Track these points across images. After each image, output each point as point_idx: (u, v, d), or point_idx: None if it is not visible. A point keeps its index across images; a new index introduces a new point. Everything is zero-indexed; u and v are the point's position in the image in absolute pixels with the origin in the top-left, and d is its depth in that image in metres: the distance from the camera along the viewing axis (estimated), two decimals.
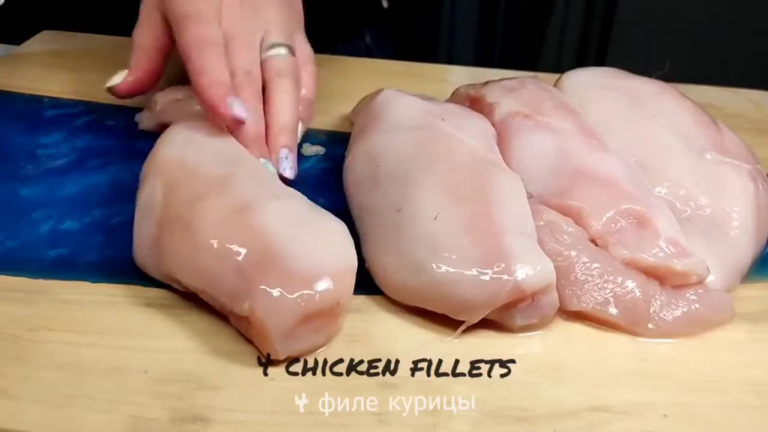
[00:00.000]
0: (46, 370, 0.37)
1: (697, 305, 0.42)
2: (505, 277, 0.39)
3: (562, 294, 0.41)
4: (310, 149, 0.55)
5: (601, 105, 0.52)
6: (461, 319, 0.40)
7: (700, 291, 0.42)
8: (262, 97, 0.51)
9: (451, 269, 0.39)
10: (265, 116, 0.51)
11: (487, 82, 0.54)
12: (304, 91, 0.54)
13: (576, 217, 0.44)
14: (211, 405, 0.35)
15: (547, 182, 0.45)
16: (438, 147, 0.46)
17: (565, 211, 0.44)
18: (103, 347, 0.38)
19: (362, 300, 0.42)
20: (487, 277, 0.39)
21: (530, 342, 0.40)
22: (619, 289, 0.41)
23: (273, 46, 0.52)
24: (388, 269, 0.42)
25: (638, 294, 0.41)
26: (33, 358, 0.37)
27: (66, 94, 0.62)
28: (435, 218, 0.41)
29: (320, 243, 0.39)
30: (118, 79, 0.53)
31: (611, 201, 0.44)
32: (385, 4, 0.66)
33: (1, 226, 0.47)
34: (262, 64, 0.52)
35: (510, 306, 0.39)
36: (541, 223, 0.43)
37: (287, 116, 0.51)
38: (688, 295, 0.42)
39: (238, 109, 0.47)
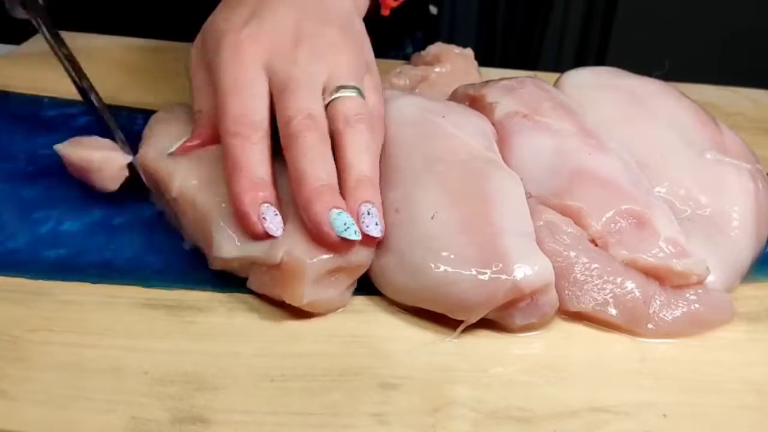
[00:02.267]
0: (46, 371, 0.37)
1: (696, 305, 0.42)
2: (504, 276, 0.39)
3: (562, 294, 0.41)
4: None
5: (601, 104, 0.52)
6: (460, 318, 0.40)
7: (699, 291, 0.42)
8: (330, 142, 0.42)
9: (449, 269, 0.39)
10: (337, 171, 0.42)
11: (487, 82, 0.54)
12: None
13: (575, 217, 0.44)
14: (211, 406, 0.35)
15: (546, 182, 0.45)
16: (438, 145, 0.46)
17: (564, 212, 0.44)
18: (103, 347, 0.38)
19: (362, 300, 0.42)
20: (485, 277, 0.39)
21: (530, 342, 0.40)
22: (618, 289, 0.41)
23: (340, 88, 0.44)
24: (386, 270, 0.42)
25: (638, 294, 0.41)
26: (33, 358, 0.37)
27: (66, 94, 0.62)
28: (432, 217, 0.41)
29: None
30: (177, 144, 0.48)
31: (611, 201, 0.44)
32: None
33: (1, 226, 0.47)
34: (327, 110, 0.44)
35: (509, 306, 0.39)
36: (541, 223, 0.43)
37: (365, 165, 0.42)
38: (687, 295, 0.42)
39: (270, 223, 0.40)
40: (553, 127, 0.48)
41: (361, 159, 0.42)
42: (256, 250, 0.41)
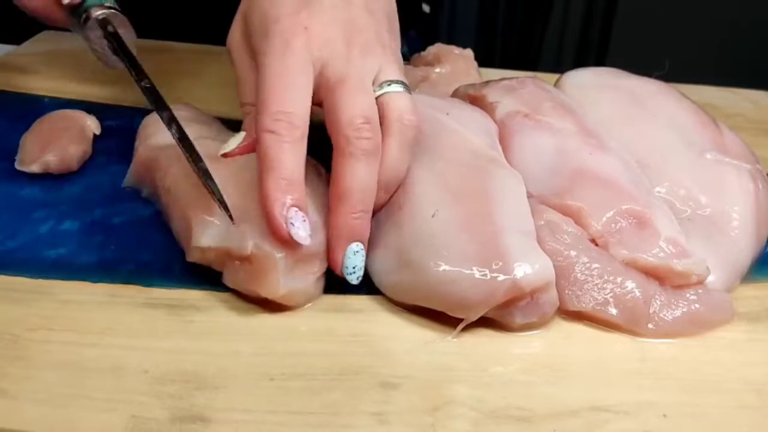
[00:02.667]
0: (46, 370, 0.37)
1: (697, 305, 0.42)
2: (504, 275, 0.39)
3: (562, 294, 0.41)
4: None
5: (601, 105, 0.52)
6: (460, 317, 0.40)
7: (700, 291, 0.42)
8: (380, 152, 0.42)
9: (449, 267, 0.39)
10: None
11: (487, 82, 0.54)
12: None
13: (576, 217, 0.44)
14: (211, 405, 0.35)
15: (547, 182, 0.45)
16: (441, 142, 0.46)
17: (565, 211, 0.44)
18: (103, 347, 0.38)
19: (362, 300, 0.42)
20: (485, 276, 0.39)
21: (530, 341, 0.40)
22: (618, 289, 0.41)
23: (387, 83, 0.44)
24: (386, 268, 0.42)
25: (638, 294, 0.41)
26: (33, 357, 0.37)
27: (66, 94, 0.62)
28: (433, 216, 0.41)
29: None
30: (233, 144, 0.46)
31: (611, 201, 0.44)
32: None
33: (1, 226, 0.47)
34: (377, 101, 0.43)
35: (509, 304, 0.39)
36: (542, 222, 0.43)
37: (402, 174, 0.44)
38: (688, 295, 0.42)
39: (299, 229, 0.39)
40: (554, 127, 0.48)
41: (399, 170, 0.43)
42: (229, 240, 0.41)
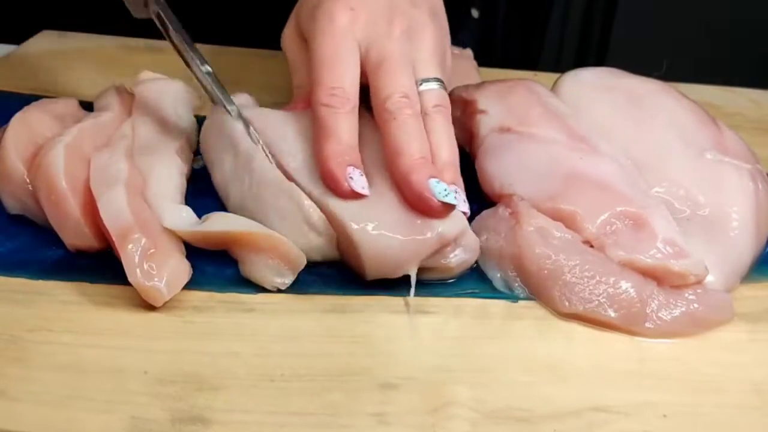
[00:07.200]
0: (46, 371, 0.37)
1: (696, 305, 0.42)
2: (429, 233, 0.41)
3: (554, 298, 0.41)
4: None
5: (601, 105, 0.52)
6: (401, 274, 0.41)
7: (699, 291, 0.42)
8: (422, 121, 0.45)
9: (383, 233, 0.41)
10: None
11: (482, 84, 0.54)
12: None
13: (569, 220, 0.44)
14: (211, 406, 0.35)
15: (538, 187, 0.46)
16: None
17: (557, 215, 0.44)
18: (103, 348, 0.38)
19: (362, 301, 0.42)
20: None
21: (530, 342, 0.41)
22: (612, 289, 0.41)
23: (425, 80, 0.47)
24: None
25: (633, 294, 0.41)
26: (33, 358, 0.37)
27: (66, 94, 0.62)
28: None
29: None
30: None
31: (605, 203, 0.44)
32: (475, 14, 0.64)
33: (1, 227, 0.47)
34: None
35: (438, 253, 0.42)
36: (531, 228, 0.43)
37: (448, 152, 0.45)
38: (687, 295, 0.42)
39: (356, 183, 0.42)
40: (542, 138, 0.48)
41: (444, 145, 0.45)
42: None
